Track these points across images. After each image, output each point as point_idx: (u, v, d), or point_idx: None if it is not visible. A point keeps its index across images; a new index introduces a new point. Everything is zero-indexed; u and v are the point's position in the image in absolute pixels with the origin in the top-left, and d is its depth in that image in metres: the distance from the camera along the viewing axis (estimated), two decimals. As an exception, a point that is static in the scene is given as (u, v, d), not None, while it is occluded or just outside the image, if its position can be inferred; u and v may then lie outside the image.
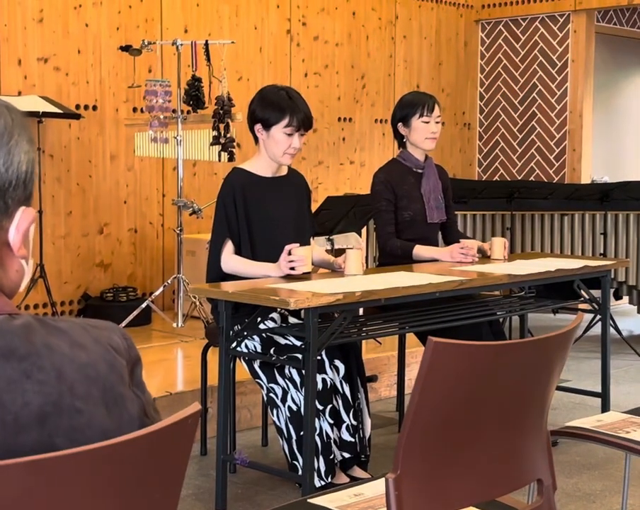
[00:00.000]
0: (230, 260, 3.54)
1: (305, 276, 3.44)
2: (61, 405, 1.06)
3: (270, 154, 3.59)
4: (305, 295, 3.08)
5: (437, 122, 4.15)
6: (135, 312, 5.31)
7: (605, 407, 4.12)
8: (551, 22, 7.87)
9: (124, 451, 1.07)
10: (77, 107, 5.81)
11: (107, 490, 1.07)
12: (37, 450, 1.00)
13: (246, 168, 3.66)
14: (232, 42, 5.69)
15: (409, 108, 4.14)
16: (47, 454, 0.99)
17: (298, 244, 3.43)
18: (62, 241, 5.78)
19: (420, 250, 4.06)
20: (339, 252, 4.40)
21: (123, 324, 5.21)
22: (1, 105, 1.11)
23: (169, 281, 5.47)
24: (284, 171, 3.73)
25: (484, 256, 4.14)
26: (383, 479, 1.82)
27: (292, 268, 3.40)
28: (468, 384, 1.77)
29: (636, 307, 6.50)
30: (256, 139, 3.64)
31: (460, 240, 4.20)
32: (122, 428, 1.09)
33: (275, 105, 3.53)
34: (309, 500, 2.11)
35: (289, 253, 3.41)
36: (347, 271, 3.57)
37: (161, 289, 5.49)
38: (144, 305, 5.39)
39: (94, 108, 5.93)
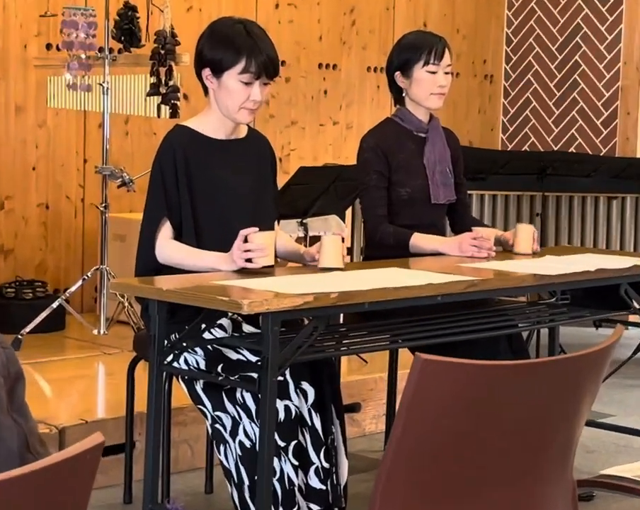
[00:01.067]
0: (167, 246, 3.53)
1: (266, 271, 3.44)
2: None
3: (222, 108, 3.59)
4: (264, 296, 3.08)
5: (446, 73, 4.16)
6: (44, 314, 5.30)
7: (658, 451, 4.16)
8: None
9: (0, 494, 1.07)
10: (-28, 41, 5.79)
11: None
12: None
13: (191, 127, 3.66)
14: (179, -40, 5.68)
15: (411, 52, 4.15)
16: None
17: (257, 229, 3.43)
18: (-51, 218, 5.78)
19: (419, 240, 4.07)
20: (315, 241, 4.39)
21: (28, 328, 5.20)
22: None
23: (89, 274, 5.47)
24: (242, 133, 3.73)
25: (505, 250, 4.16)
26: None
27: (249, 260, 3.40)
28: (466, 414, 1.78)
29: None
30: (205, 90, 3.64)
31: (473, 228, 4.21)
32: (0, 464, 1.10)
33: (228, 44, 3.53)
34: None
35: (246, 241, 3.41)
36: (322, 263, 3.57)
37: (78, 284, 5.49)
38: (55, 305, 5.38)
39: (-6, 42, 5.92)
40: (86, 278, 5.49)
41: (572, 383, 1.95)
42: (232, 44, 3.54)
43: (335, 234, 3.83)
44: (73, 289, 5.49)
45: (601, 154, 7.77)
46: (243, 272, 3.41)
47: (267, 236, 3.45)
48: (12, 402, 1.18)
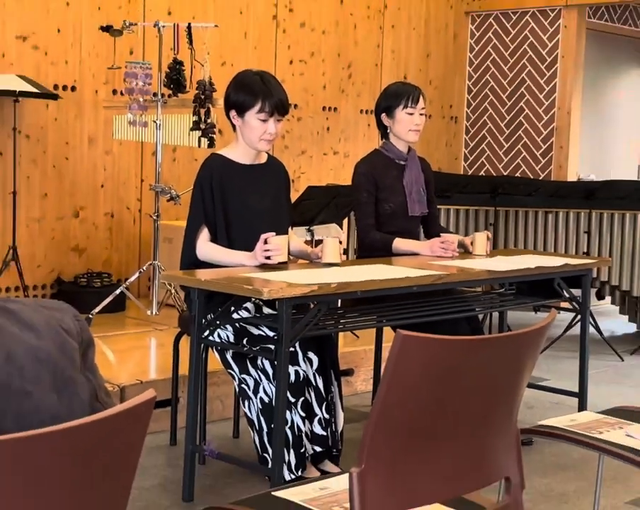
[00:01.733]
0: (205, 247, 3.54)
1: (281, 266, 3.43)
2: (10, 388, 1.05)
3: (246, 140, 3.59)
4: (279, 285, 3.07)
5: (421, 114, 4.15)
6: (109, 298, 5.29)
7: (582, 407, 4.13)
8: (541, 16, 7.87)
9: (75, 437, 1.06)
10: (55, 87, 5.77)
11: (56, 476, 1.06)
12: None
13: (224, 155, 3.65)
14: (216, 26, 5.66)
15: (393, 98, 4.14)
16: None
17: (274, 233, 3.43)
18: (36, 223, 5.76)
19: (399, 243, 4.06)
20: (319, 243, 4.39)
21: (97, 309, 5.19)
22: None
23: (144, 268, 5.45)
24: (263, 159, 3.72)
25: (466, 251, 4.15)
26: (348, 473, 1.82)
27: (268, 258, 3.40)
28: (436, 379, 1.77)
29: (618, 307, 6.53)
30: (233, 126, 3.64)
31: (441, 234, 4.21)
32: (73, 413, 1.09)
33: (248, 90, 3.53)
34: (273, 493, 2.10)
35: (265, 242, 3.40)
36: (325, 259, 3.57)
37: (136, 275, 5.47)
38: (118, 292, 5.36)
39: (73, 88, 5.90)
40: (142, 270, 5.47)
41: (517, 354, 1.94)
42: (251, 90, 3.54)
43: (334, 237, 3.82)
44: (132, 279, 5.47)
45: (540, 178, 7.75)
46: (263, 267, 3.41)
47: (282, 238, 3.45)
48: (84, 363, 1.17)
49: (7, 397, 1.04)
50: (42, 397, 1.07)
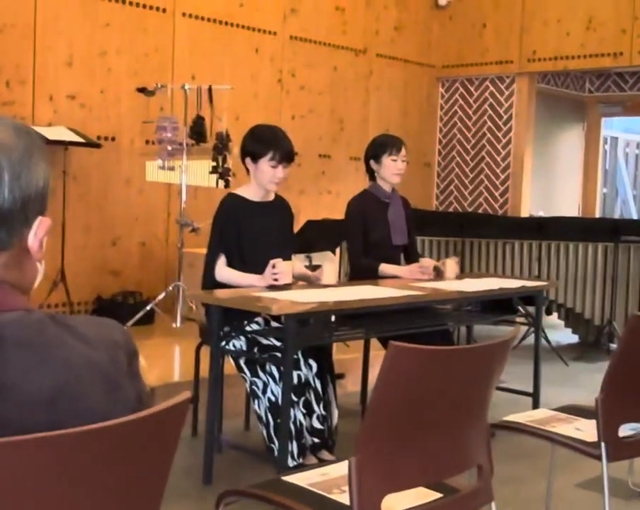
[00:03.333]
0: (222, 271, 3.51)
1: (286, 287, 3.41)
2: (69, 391, 1.03)
3: (258, 182, 3.57)
4: (285, 303, 3.05)
5: (403, 161, 4.15)
6: (141, 313, 5.26)
7: (536, 405, 4.11)
8: (499, 82, 7.91)
9: (121, 431, 1.04)
10: (98, 138, 5.76)
11: (105, 465, 1.04)
12: (47, 430, 0.97)
13: (239, 194, 3.63)
14: (231, 88, 5.67)
15: (381, 147, 4.14)
16: (53, 432, 0.96)
17: (281, 259, 3.41)
18: (81, 251, 5.73)
19: (385, 268, 4.04)
20: (316, 267, 4.37)
21: (130, 323, 5.16)
22: (21, 129, 1.09)
23: (170, 288, 5.42)
24: (271, 197, 3.70)
25: (438, 274, 4.13)
26: (346, 461, 1.80)
27: (276, 280, 3.38)
28: (422, 382, 1.75)
29: (563, 321, 6.51)
30: (247, 170, 3.62)
31: (420, 260, 4.19)
32: (121, 414, 1.07)
33: (262, 141, 3.52)
34: (282, 478, 2.07)
35: (273, 267, 3.38)
36: (325, 281, 3.56)
37: (163, 294, 5.44)
38: (148, 308, 5.34)
39: (113, 139, 5.89)
40: (168, 290, 5.45)
41: (488, 362, 1.92)
42: (264, 142, 3.53)
43: (331, 262, 3.81)
44: (159, 297, 5.44)
45: (498, 214, 7.76)
46: (271, 287, 3.38)
47: (287, 264, 3.43)
48: (130, 370, 1.14)
49: (66, 399, 1.02)
50: (96, 400, 1.05)
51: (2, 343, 1.00)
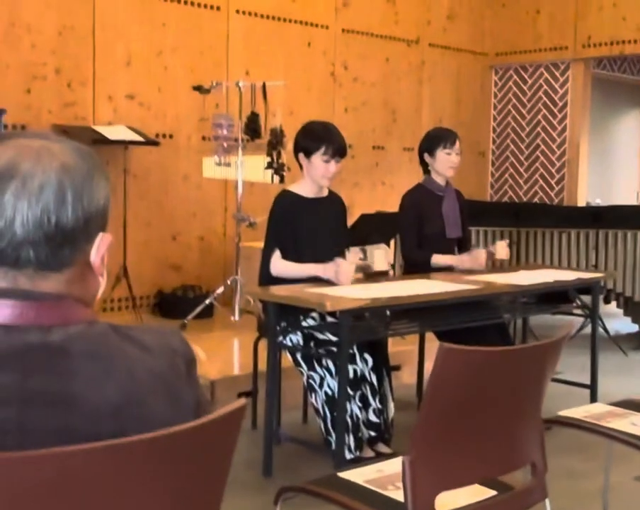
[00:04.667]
0: (278, 263, 3.53)
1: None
2: (133, 400, 1.07)
3: (311, 178, 3.59)
4: (339, 299, 3.07)
5: (457, 154, 4.12)
6: (200, 307, 5.34)
7: (594, 397, 4.06)
8: (553, 68, 7.78)
9: (183, 438, 1.08)
10: (157, 136, 5.86)
11: (168, 471, 1.08)
12: (112, 438, 1.01)
13: (292, 190, 3.66)
14: (285, 84, 5.71)
15: (435, 141, 4.11)
16: (120, 439, 1.01)
17: (345, 261, 3.43)
18: (142, 246, 5.84)
19: (437, 258, 4.04)
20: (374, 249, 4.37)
21: (190, 316, 5.24)
22: (83, 150, 1.13)
23: (229, 282, 5.49)
24: (324, 193, 3.72)
25: (490, 257, 4.12)
26: (401, 458, 1.81)
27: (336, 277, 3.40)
28: (474, 382, 1.76)
29: (622, 310, 6.39)
30: (301, 166, 3.65)
31: (471, 249, 4.17)
32: (181, 419, 1.10)
33: (315, 137, 3.53)
34: (339, 474, 2.10)
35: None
36: (376, 267, 3.57)
37: (222, 288, 5.51)
38: (207, 301, 5.41)
39: (170, 136, 5.98)
40: (227, 284, 5.52)
41: (540, 360, 1.92)
42: (317, 137, 3.54)
43: (382, 246, 3.79)
44: (218, 291, 5.51)
45: (554, 203, 7.64)
46: (326, 284, 3.40)
47: (351, 269, 3.45)
48: (189, 377, 1.18)
49: (130, 408, 1.06)
50: (158, 407, 1.08)
51: (69, 356, 1.04)
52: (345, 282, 3.37)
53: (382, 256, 3.59)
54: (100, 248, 1.13)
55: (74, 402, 1.02)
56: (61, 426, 1.01)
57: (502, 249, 4.10)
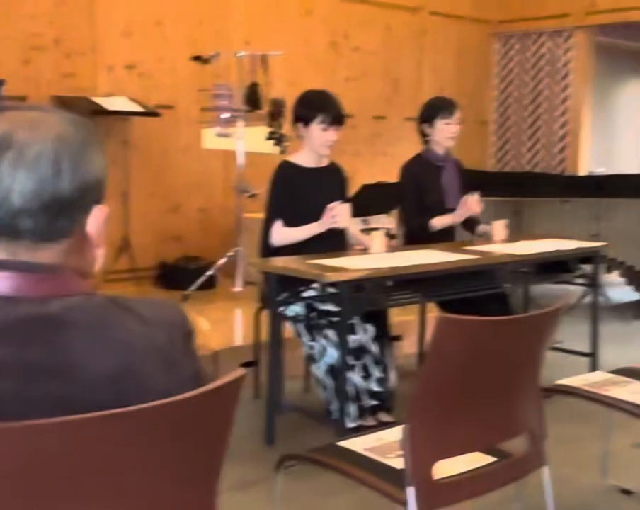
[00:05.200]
0: (280, 231, 3.53)
1: (341, 254, 3.44)
2: (130, 370, 1.08)
3: (311, 147, 3.59)
4: (340, 270, 3.08)
5: (456, 124, 4.11)
6: (202, 278, 5.36)
7: (594, 365, 4.08)
8: (556, 36, 7.72)
9: (181, 408, 1.09)
10: (157, 106, 5.84)
11: (167, 440, 1.09)
12: (110, 408, 1.02)
13: (292, 160, 3.66)
14: (284, 53, 5.67)
15: (434, 110, 4.10)
16: (117, 409, 1.02)
17: (339, 202, 3.44)
18: (144, 218, 5.85)
19: (436, 221, 4.05)
20: (371, 230, 4.38)
21: (192, 287, 5.26)
22: (79, 121, 1.13)
23: (231, 253, 5.50)
24: (324, 162, 3.72)
25: (487, 238, 4.11)
26: (400, 426, 1.83)
27: (335, 223, 3.41)
28: (472, 352, 1.77)
29: (624, 279, 6.41)
30: (301, 136, 3.63)
31: (465, 197, 4.14)
32: (180, 389, 1.11)
33: (312, 106, 3.53)
34: (339, 443, 2.13)
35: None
36: (372, 250, 3.57)
37: (224, 259, 5.52)
38: (209, 273, 5.42)
39: (171, 107, 5.96)
40: (229, 255, 5.53)
41: (537, 330, 1.93)
42: (314, 106, 3.53)
43: (386, 227, 3.80)
44: (220, 262, 5.53)
45: (556, 173, 7.62)
46: (327, 254, 3.40)
47: (345, 207, 3.47)
48: (188, 348, 1.19)
49: (128, 378, 1.07)
50: (155, 378, 1.10)
51: (66, 327, 1.06)
52: (343, 223, 3.38)
53: (381, 240, 3.60)
54: (97, 220, 1.14)
55: (72, 372, 1.03)
56: (60, 395, 1.02)
57: (499, 230, 4.09)
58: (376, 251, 3.55)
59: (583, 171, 7.60)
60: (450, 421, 1.82)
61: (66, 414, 0.99)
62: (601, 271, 4.33)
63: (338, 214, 3.38)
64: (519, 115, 8.02)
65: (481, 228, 4.20)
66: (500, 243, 4.03)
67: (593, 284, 4.13)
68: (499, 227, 4.10)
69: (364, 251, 3.66)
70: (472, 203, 3.99)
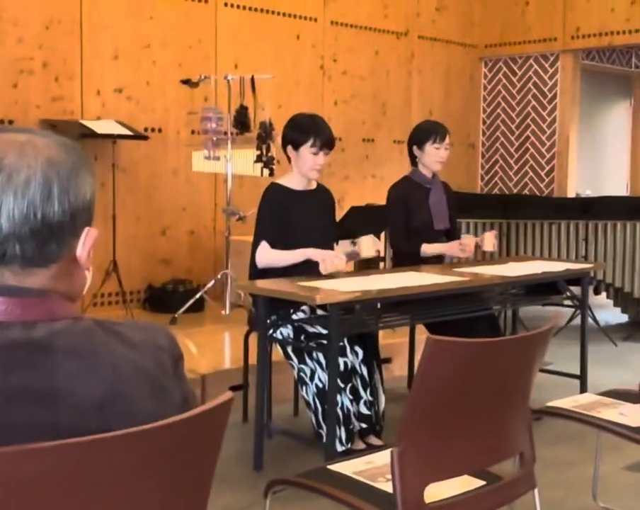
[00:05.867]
0: (268, 254, 3.52)
1: (328, 276, 3.43)
2: (117, 395, 1.07)
3: (300, 170, 3.59)
4: (329, 292, 3.08)
5: (446, 149, 4.12)
6: (191, 301, 5.34)
7: (584, 387, 4.08)
8: (542, 60, 7.79)
9: (168, 432, 1.08)
10: (145, 130, 5.85)
11: (154, 465, 1.08)
12: (97, 433, 1.01)
13: (281, 183, 3.66)
14: (273, 77, 5.70)
15: (424, 134, 4.11)
16: (103, 434, 1.01)
17: (344, 257, 3.43)
18: (132, 241, 5.83)
19: (426, 248, 4.06)
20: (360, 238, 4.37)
21: (181, 310, 5.24)
22: (68, 144, 1.13)
23: (219, 276, 5.49)
24: (313, 186, 3.72)
25: (477, 250, 4.14)
26: (390, 450, 1.82)
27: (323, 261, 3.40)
28: (461, 374, 1.77)
29: (612, 301, 6.42)
30: (289, 159, 3.64)
31: (461, 236, 4.18)
32: (168, 414, 1.10)
33: (302, 129, 3.53)
34: (328, 467, 2.11)
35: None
36: (364, 253, 3.57)
37: (212, 282, 5.50)
38: (198, 296, 5.41)
39: (159, 130, 5.97)
40: (217, 278, 5.52)
41: (528, 351, 1.93)
42: (305, 130, 3.54)
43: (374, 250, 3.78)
44: (209, 285, 5.51)
45: (544, 195, 7.66)
46: (315, 277, 3.40)
47: (342, 263, 3.44)
48: (176, 373, 1.18)
49: (115, 403, 1.06)
50: (143, 403, 1.08)
51: (52, 352, 1.04)
52: (328, 270, 3.36)
53: (370, 242, 3.59)
54: (86, 243, 1.13)
55: (58, 398, 1.02)
56: (46, 421, 1.01)
57: (490, 240, 4.12)
58: (367, 254, 3.55)
59: (570, 193, 7.64)
60: (440, 443, 1.81)
61: (52, 441, 0.97)
62: (589, 293, 4.34)
63: (331, 262, 3.37)
64: (506, 138, 8.07)
65: (472, 240, 4.20)
66: (491, 250, 4.07)
67: (582, 305, 4.14)
68: (489, 238, 4.12)
69: (353, 255, 3.63)
70: (470, 244, 3.99)
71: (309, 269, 3.46)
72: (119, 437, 1.02)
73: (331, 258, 3.38)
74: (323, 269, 3.38)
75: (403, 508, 1.75)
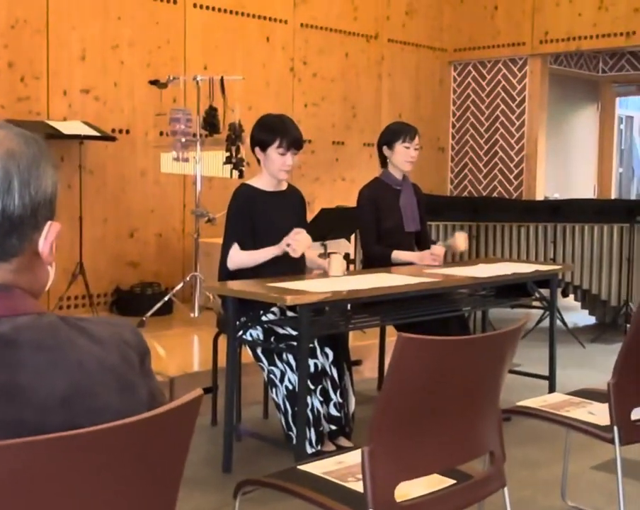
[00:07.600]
0: (238, 255, 3.51)
1: (299, 278, 3.42)
2: (82, 391, 1.05)
3: (268, 171, 3.58)
4: (300, 293, 3.07)
5: (415, 149, 4.14)
6: (159, 304, 5.30)
7: (552, 388, 4.11)
8: (511, 64, 7.86)
9: (135, 429, 1.06)
10: (113, 131, 5.79)
11: (120, 463, 1.06)
12: (62, 430, 0.99)
13: (251, 184, 3.64)
14: (243, 78, 5.68)
15: (394, 134, 4.12)
16: (68, 432, 0.99)
17: (303, 230, 3.43)
18: (99, 243, 5.77)
19: (397, 254, 4.05)
20: (329, 254, 4.38)
21: (149, 313, 5.20)
22: (29, 137, 1.10)
23: (188, 278, 5.45)
24: (283, 186, 3.71)
25: (450, 250, 4.18)
26: (360, 450, 1.81)
27: (288, 245, 3.40)
28: (432, 372, 1.77)
29: (580, 303, 6.49)
30: (258, 160, 3.63)
31: (431, 247, 4.20)
32: (134, 410, 1.08)
33: (269, 130, 3.52)
34: (298, 467, 2.10)
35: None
36: (331, 273, 3.57)
37: (181, 284, 5.47)
38: (166, 298, 5.37)
39: (127, 131, 5.92)
40: (186, 280, 5.48)
41: (498, 350, 1.93)
42: (272, 130, 3.53)
43: (338, 253, 3.79)
44: (177, 288, 5.48)
45: (513, 198, 7.73)
46: (285, 278, 3.39)
47: (307, 237, 3.44)
48: (142, 369, 1.16)
49: (79, 399, 1.04)
50: (109, 399, 1.07)
51: (15, 347, 1.02)
52: (300, 252, 3.36)
53: (340, 263, 3.60)
54: (48, 237, 1.11)
55: (22, 394, 1.00)
56: (9, 418, 0.99)
57: (461, 240, 4.15)
58: (335, 274, 3.55)
59: (539, 196, 7.71)
60: (411, 442, 1.81)
61: (16, 437, 0.95)
62: (557, 294, 4.38)
63: (297, 242, 3.36)
64: (476, 142, 8.13)
65: (441, 243, 4.23)
66: (461, 249, 4.12)
67: (550, 307, 4.17)
68: (461, 238, 4.16)
69: (323, 274, 3.65)
70: (439, 256, 4.02)
71: (278, 271, 3.45)
72: (84, 434, 1.00)
73: (293, 239, 3.37)
74: (292, 251, 3.37)
75: (374, 508, 1.74)
